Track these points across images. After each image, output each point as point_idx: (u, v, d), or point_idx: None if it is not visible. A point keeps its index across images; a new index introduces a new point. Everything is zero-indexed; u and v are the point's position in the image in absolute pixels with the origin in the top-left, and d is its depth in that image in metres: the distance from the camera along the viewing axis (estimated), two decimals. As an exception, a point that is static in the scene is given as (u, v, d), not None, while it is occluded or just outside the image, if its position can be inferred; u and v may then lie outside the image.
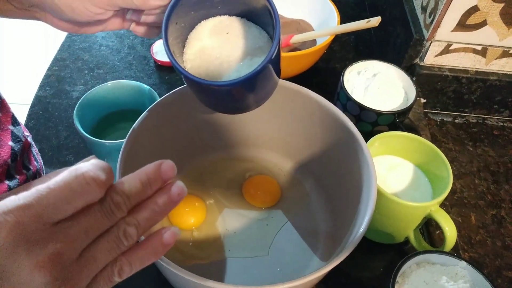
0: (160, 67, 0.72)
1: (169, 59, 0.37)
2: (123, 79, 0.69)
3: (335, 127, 0.48)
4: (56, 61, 0.72)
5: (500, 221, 0.57)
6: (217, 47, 0.40)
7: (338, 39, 0.79)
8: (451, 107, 0.69)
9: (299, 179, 0.56)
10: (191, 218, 0.51)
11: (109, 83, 0.54)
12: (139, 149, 0.44)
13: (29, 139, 0.53)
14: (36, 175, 0.49)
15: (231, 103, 0.42)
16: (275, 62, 0.37)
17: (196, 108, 0.50)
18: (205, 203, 0.53)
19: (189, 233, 0.50)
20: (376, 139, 0.50)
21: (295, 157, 0.56)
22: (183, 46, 0.41)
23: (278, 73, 0.41)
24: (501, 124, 0.69)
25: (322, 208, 0.53)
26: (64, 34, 0.77)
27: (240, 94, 0.39)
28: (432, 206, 0.46)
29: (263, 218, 0.52)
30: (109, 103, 0.55)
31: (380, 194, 0.45)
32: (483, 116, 0.70)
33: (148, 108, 0.45)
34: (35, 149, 0.54)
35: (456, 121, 0.69)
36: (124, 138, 0.42)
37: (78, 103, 0.51)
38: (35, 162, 0.50)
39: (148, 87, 0.53)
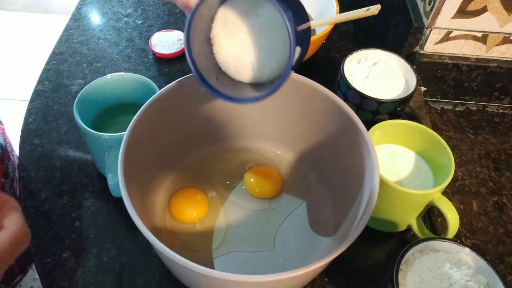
0: (159, 59, 0.71)
1: (194, 74, 0.40)
2: (122, 72, 0.68)
3: (336, 116, 0.48)
4: (54, 55, 0.71)
5: (502, 208, 0.57)
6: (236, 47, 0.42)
7: (337, 29, 0.79)
8: (451, 95, 0.69)
9: (301, 169, 0.56)
10: (193, 211, 0.51)
11: (109, 76, 0.54)
12: (140, 142, 0.44)
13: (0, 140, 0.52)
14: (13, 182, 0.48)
15: None
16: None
17: (196, 100, 0.50)
18: (207, 196, 0.53)
19: (192, 226, 0.50)
20: (377, 128, 0.50)
21: (296, 147, 0.56)
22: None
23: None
24: (502, 111, 0.69)
25: (325, 198, 0.53)
26: (62, 27, 0.76)
27: None
28: (435, 194, 0.46)
29: (265, 209, 0.52)
30: (108, 96, 0.55)
31: (382, 182, 0.45)
32: (484, 103, 0.70)
33: (148, 100, 0.45)
34: (12, 152, 0.54)
35: (457, 109, 0.69)
36: (125, 132, 0.42)
37: (78, 96, 0.51)
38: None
39: (148, 80, 0.53)
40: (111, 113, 0.56)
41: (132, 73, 0.54)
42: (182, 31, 0.74)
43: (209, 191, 0.53)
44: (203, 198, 0.52)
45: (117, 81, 0.54)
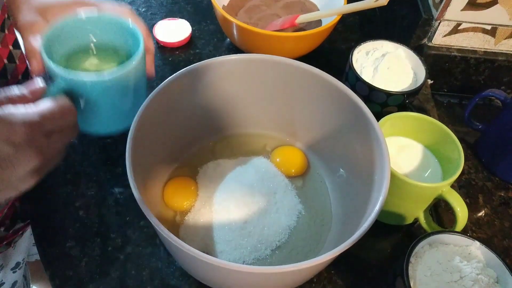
0: (163, 48, 0.70)
1: None
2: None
3: (345, 107, 0.47)
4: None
5: (508, 202, 0.57)
6: None
7: (343, 20, 0.78)
8: (458, 88, 0.68)
9: (309, 161, 0.55)
10: (181, 200, 0.50)
11: (84, 16, 0.44)
12: (146, 130, 0.43)
13: None
14: None
15: None
16: None
17: (204, 89, 0.49)
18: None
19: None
20: (387, 120, 0.49)
21: (304, 138, 0.55)
22: None
23: None
24: (508, 105, 0.68)
25: (333, 189, 0.52)
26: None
27: None
28: (444, 187, 0.45)
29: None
30: (80, 38, 0.45)
31: (391, 175, 0.44)
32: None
33: (155, 90, 0.44)
34: None
35: (463, 102, 0.68)
36: (99, 74, 0.38)
37: (45, 34, 0.41)
38: None
39: (132, 24, 0.45)
40: (79, 56, 0.46)
41: (111, 14, 0.45)
42: (186, 20, 0.73)
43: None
44: (190, 186, 0.51)
45: (93, 23, 0.45)
